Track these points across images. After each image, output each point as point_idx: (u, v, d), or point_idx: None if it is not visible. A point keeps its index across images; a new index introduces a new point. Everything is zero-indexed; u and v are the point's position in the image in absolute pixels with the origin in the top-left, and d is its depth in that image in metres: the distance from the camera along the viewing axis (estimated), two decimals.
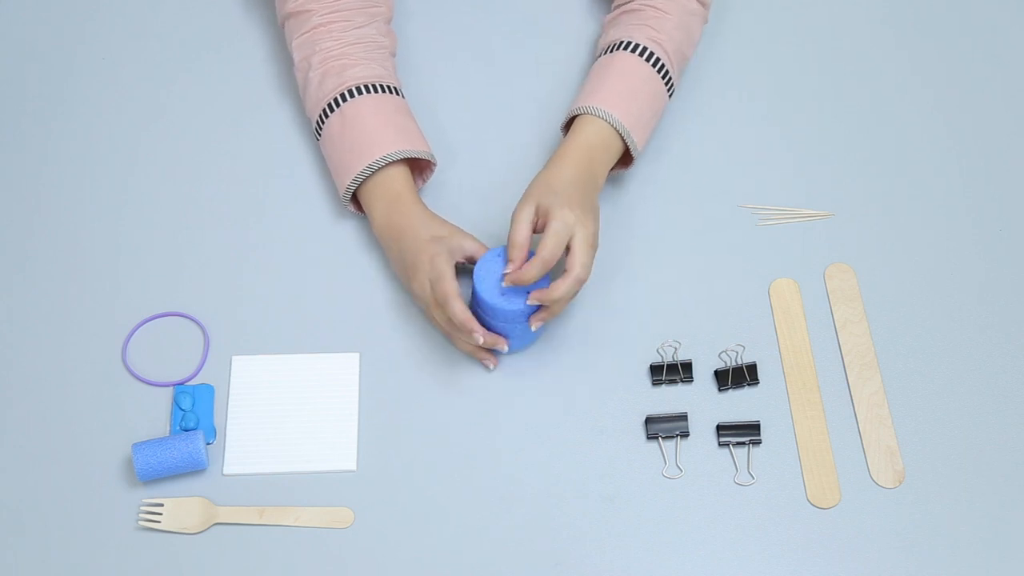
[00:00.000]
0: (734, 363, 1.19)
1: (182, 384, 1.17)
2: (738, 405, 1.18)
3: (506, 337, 1.15)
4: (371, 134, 1.20)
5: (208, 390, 1.16)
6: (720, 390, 1.18)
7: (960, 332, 1.22)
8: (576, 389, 1.18)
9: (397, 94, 1.25)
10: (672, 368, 1.18)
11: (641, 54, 1.24)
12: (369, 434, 1.15)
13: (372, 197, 1.20)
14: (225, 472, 1.13)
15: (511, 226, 1.13)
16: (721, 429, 1.16)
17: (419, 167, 1.26)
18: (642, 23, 1.26)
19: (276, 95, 1.34)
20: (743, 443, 1.16)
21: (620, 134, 1.20)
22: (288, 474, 1.13)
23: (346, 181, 1.20)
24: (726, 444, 1.16)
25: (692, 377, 1.19)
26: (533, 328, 1.12)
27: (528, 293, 1.11)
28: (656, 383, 1.19)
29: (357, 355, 1.19)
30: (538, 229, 1.14)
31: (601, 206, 1.24)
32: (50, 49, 1.38)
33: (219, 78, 1.36)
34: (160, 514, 1.11)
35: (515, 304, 1.12)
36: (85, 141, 1.31)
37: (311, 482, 1.13)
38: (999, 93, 1.37)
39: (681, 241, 1.26)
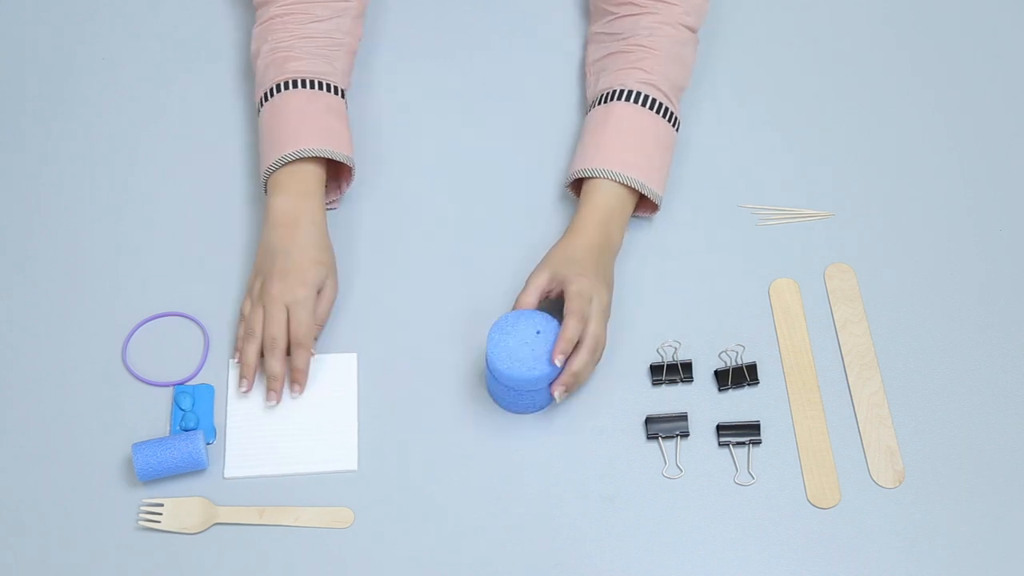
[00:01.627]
0: (734, 363, 1.19)
1: (182, 384, 1.17)
2: (738, 405, 1.18)
3: (519, 403, 1.14)
4: (292, 128, 1.19)
5: (208, 390, 1.16)
6: (720, 390, 1.18)
7: (960, 332, 1.22)
8: (576, 389, 1.18)
9: (337, 93, 1.24)
10: (672, 368, 1.18)
11: (637, 100, 1.21)
12: (369, 434, 1.15)
13: (278, 186, 1.18)
14: (226, 476, 1.13)
15: (523, 289, 1.13)
16: (721, 429, 1.16)
17: (338, 174, 1.25)
18: (631, 66, 1.23)
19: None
20: (743, 443, 1.16)
21: (635, 189, 1.19)
22: (289, 476, 1.13)
23: (261, 170, 1.20)
24: (726, 444, 1.16)
25: (692, 377, 1.19)
26: (558, 400, 1.11)
27: (540, 362, 1.09)
28: (656, 383, 1.19)
29: (355, 355, 1.19)
30: (553, 296, 1.14)
31: None
32: (50, 49, 1.38)
33: (219, 78, 1.36)
34: (160, 514, 1.11)
35: (534, 372, 1.09)
36: (85, 141, 1.31)
37: (311, 482, 1.13)
38: (999, 93, 1.37)
39: (681, 241, 1.26)
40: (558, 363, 1.08)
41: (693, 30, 1.28)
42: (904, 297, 1.24)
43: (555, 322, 1.11)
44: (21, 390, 1.17)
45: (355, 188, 1.27)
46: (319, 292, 1.16)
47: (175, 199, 1.28)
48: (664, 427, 1.16)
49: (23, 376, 1.17)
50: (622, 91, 1.22)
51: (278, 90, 1.21)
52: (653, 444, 1.16)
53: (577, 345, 1.10)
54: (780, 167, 1.31)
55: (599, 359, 1.13)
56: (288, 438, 1.14)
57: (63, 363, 1.18)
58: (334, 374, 1.18)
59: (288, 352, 1.15)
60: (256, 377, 1.16)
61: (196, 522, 1.11)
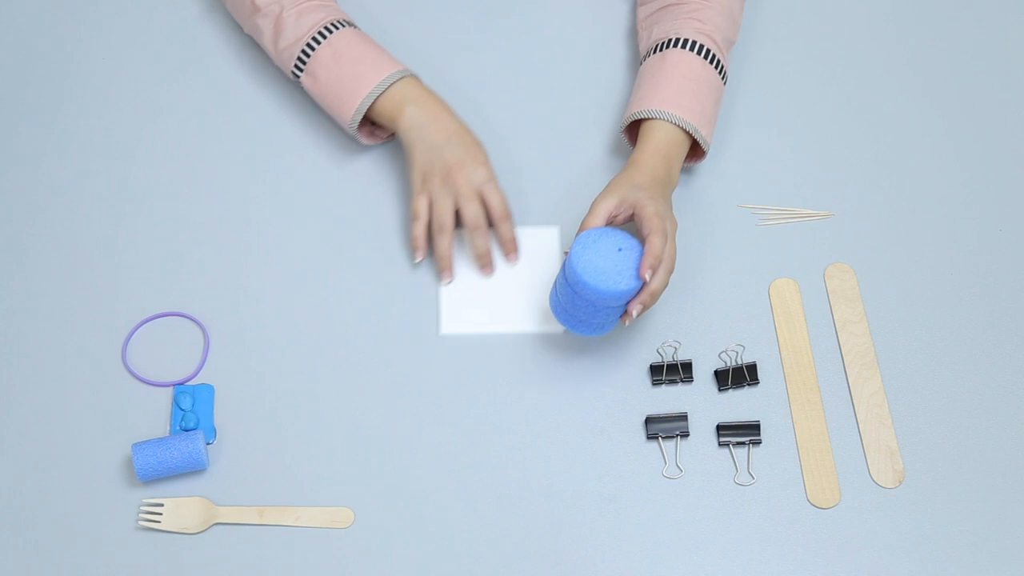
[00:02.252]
0: (734, 363, 1.19)
1: (182, 384, 1.17)
2: (738, 405, 1.18)
3: (591, 322, 1.14)
4: (376, 55, 1.24)
5: (208, 390, 1.16)
6: (720, 390, 1.18)
7: (960, 332, 1.22)
8: (576, 389, 1.18)
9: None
10: (672, 368, 1.18)
11: (693, 49, 1.23)
12: (369, 434, 1.15)
13: (399, 102, 1.22)
14: (442, 332, 1.19)
15: (589, 213, 1.14)
16: (721, 429, 1.16)
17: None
18: (688, 16, 1.26)
19: (277, 93, 1.34)
20: (743, 443, 1.16)
21: (689, 133, 1.21)
22: (501, 334, 1.17)
23: (360, 96, 1.22)
24: (726, 444, 1.16)
25: (692, 377, 1.19)
26: (636, 317, 1.11)
27: (624, 277, 1.10)
28: (656, 383, 1.19)
29: (557, 228, 1.24)
30: (618, 222, 1.15)
31: None
32: (50, 49, 1.38)
33: (218, 77, 1.36)
34: (160, 514, 1.11)
35: (620, 286, 1.09)
36: (85, 141, 1.31)
37: (311, 482, 1.13)
38: (1000, 94, 1.37)
39: (681, 241, 1.26)
40: (647, 278, 1.09)
41: None
42: (904, 297, 1.24)
43: (635, 240, 1.11)
44: (21, 390, 1.17)
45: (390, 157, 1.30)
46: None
47: (175, 199, 1.28)
48: (664, 427, 1.16)
49: (23, 376, 1.17)
50: (678, 39, 1.25)
51: (330, 30, 1.24)
52: (653, 444, 1.16)
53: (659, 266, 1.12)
54: (780, 167, 1.31)
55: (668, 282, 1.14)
56: (501, 299, 1.21)
57: (63, 363, 1.18)
58: (537, 245, 1.23)
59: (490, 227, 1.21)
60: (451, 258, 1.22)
61: (196, 522, 1.11)
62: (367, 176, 1.29)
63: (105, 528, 1.11)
